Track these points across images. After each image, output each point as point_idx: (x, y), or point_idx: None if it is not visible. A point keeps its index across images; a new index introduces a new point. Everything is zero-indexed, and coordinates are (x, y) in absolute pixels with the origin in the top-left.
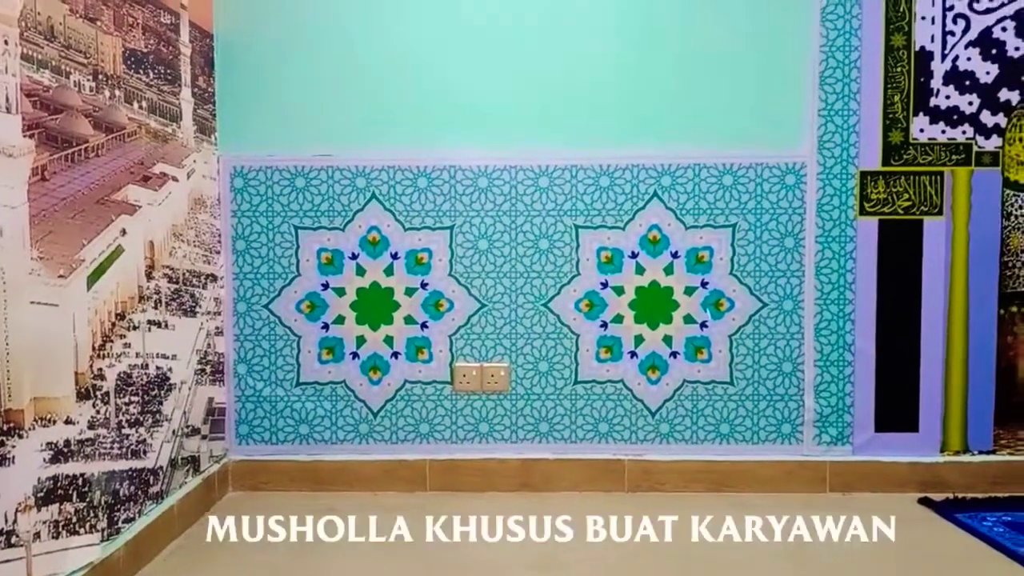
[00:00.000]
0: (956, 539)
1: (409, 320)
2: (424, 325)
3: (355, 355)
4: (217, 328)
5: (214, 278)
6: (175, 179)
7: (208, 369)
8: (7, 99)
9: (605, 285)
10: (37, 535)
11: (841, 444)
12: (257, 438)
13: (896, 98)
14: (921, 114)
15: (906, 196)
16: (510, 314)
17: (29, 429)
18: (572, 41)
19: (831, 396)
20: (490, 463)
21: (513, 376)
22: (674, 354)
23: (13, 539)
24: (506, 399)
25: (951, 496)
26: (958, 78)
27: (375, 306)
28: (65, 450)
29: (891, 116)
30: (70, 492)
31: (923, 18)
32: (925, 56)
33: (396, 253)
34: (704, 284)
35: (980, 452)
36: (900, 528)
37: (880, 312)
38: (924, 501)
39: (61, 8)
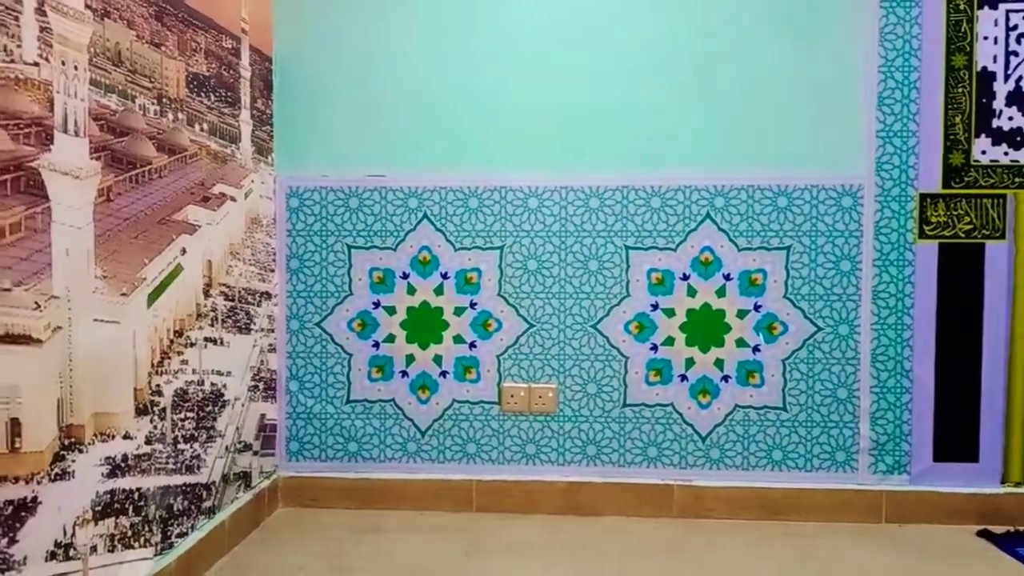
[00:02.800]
0: (1017, 574)
1: (458, 339)
2: (472, 345)
3: (404, 373)
4: (270, 345)
5: (268, 296)
6: (233, 199)
7: (261, 386)
8: (76, 123)
9: (655, 307)
10: (94, 548)
11: (898, 473)
12: (307, 455)
13: (957, 119)
14: (983, 135)
15: (967, 219)
16: (558, 335)
17: (89, 444)
18: (625, 62)
19: (887, 424)
20: (537, 485)
21: (561, 397)
22: (725, 378)
23: (71, 552)
24: (553, 420)
25: (1012, 529)
26: (1022, 99)
27: (425, 325)
28: (123, 465)
29: (952, 138)
30: (126, 506)
31: (985, 38)
32: (987, 77)
33: (446, 273)
34: (757, 307)
35: None
36: (958, 562)
37: (939, 338)
38: (983, 534)
39: (128, 34)
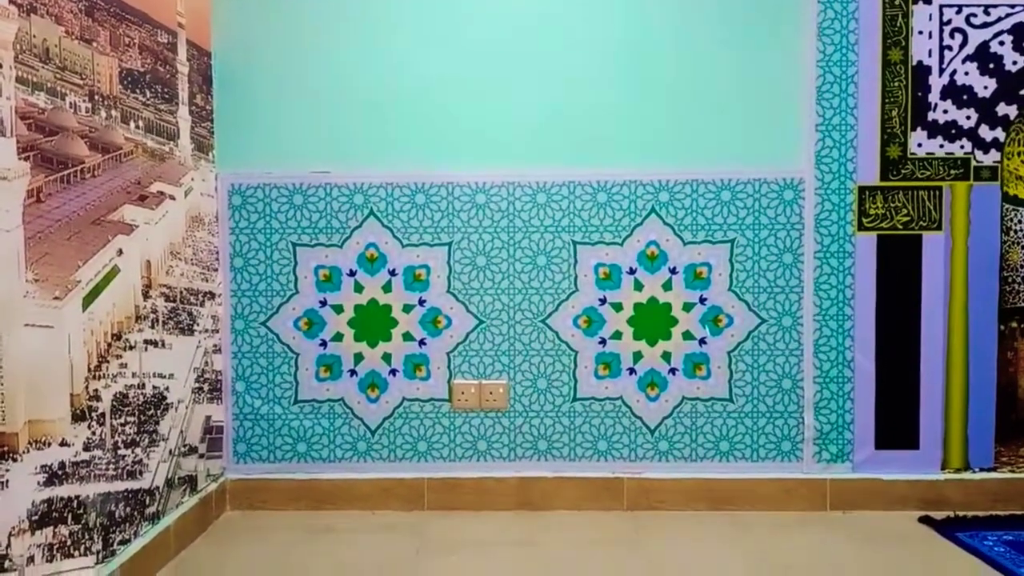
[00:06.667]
0: (957, 559)
1: (407, 337)
2: (422, 342)
3: (353, 372)
4: (215, 346)
5: (212, 296)
6: (172, 198)
7: (206, 387)
8: (1, 122)
9: (603, 301)
10: (31, 559)
11: (841, 462)
12: (255, 456)
13: (894, 113)
14: (919, 129)
15: (904, 211)
16: (508, 331)
17: (23, 452)
18: (570, 59)
19: (831, 413)
20: (488, 481)
21: (511, 393)
22: (673, 371)
23: (6, 564)
24: (504, 416)
25: (952, 514)
26: (956, 92)
27: (373, 323)
28: (60, 473)
29: (889, 131)
30: (65, 515)
31: (920, 33)
32: (923, 71)
33: (394, 270)
34: (703, 300)
35: (981, 469)
36: (900, 547)
37: (879, 328)
38: (925, 519)
39: (56, 30)
